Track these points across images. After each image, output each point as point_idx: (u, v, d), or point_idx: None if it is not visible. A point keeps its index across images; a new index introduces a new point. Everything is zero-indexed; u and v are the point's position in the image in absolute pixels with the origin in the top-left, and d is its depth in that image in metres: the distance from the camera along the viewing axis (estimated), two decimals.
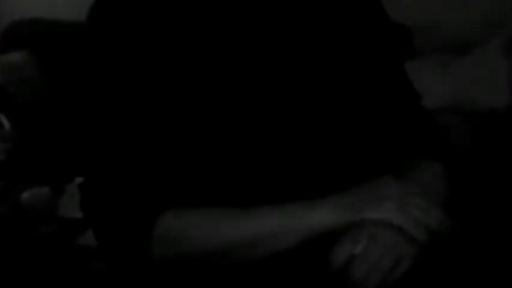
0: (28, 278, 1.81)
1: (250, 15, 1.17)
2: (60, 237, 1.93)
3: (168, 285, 1.15)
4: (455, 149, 1.32)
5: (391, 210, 1.07)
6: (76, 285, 1.81)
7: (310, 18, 1.20)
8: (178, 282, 1.15)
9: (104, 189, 1.12)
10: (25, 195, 2.02)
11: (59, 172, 2.13)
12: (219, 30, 1.15)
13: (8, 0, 2.93)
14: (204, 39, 1.14)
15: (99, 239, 1.16)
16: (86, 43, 1.17)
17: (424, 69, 1.73)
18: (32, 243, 1.91)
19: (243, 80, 1.14)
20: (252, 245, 1.09)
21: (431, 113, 1.32)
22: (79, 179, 1.95)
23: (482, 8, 1.85)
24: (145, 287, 1.15)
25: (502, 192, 1.72)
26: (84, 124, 1.16)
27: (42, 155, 2.25)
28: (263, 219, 1.10)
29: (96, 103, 1.14)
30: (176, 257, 1.11)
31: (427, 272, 1.12)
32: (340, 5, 1.23)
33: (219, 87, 1.13)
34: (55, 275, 1.81)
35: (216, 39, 1.14)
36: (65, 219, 1.97)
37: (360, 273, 1.05)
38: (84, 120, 1.16)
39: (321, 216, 1.08)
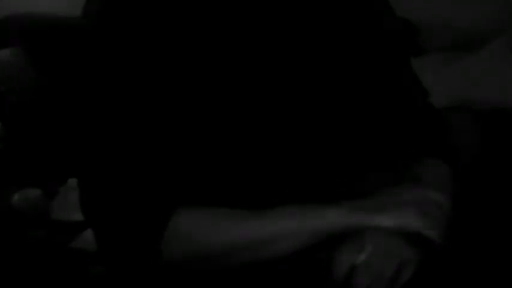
0: (19, 282, 1.79)
1: (253, 14, 1.16)
2: (53, 241, 1.91)
3: (172, 286, 1.14)
4: (464, 147, 1.31)
5: (410, 215, 1.08)
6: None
7: (315, 15, 1.19)
8: (183, 282, 1.14)
9: (110, 189, 1.11)
10: (16, 197, 2.00)
11: (51, 173, 2.11)
12: (223, 30, 1.16)
13: None
14: (207, 39, 1.15)
15: (101, 240, 1.15)
16: (90, 42, 1.16)
17: (430, 67, 1.74)
18: (23, 246, 1.89)
19: (250, 81, 1.14)
20: (262, 245, 1.10)
21: (438, 111, 1.32)
22: (72, 181, 1.97)
23: (489, 6, 1.85)
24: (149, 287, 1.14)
25: (507, 191, 1.72)
26: (88, 123, 1.15)
27: (33, 155, 2.23)
28: (274, 219, 1.10)
29: (102, 101, 1.13)
30: (184, 256, 1.11)
31: (430, 276, 1.11)
32: (344, 2, 1.22)
33: (225, 86, 1.13)
34: (47, 279, 1.79)
35: (219, 39, 1.15)
36: (57, 222, 1.95)
37: (363, 283, 1.05)
38: (88, 119, 1.15)
39: (332, 217, 1.08)
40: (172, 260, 1.11)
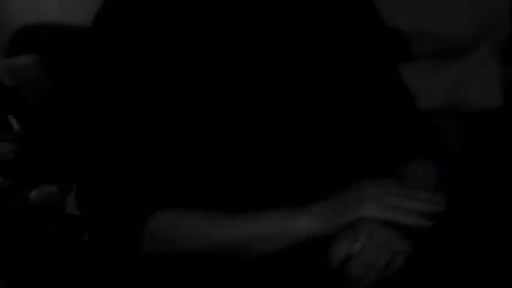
0: (36, 274, 1.83)
1: (246, 23, 1.18)
2: (67, 234, 1.94)
3: (158, 282, 1.17)
4: (450, 149, 1.32)
5: (371, 208, 1.08)
6: (82, 281, 1.81)
7: (304, 23, 1.20)
8: (168, 280, 1.17)
9: (98, 189, 1.14)
10: (33, 193, 2.04)
11: (66, 171, 2.13)
12: (217, 37, 1.17)
13: (17, 4, 2.95)
14: (203, 46, 1.16)
15: (93, 235, 1.20)
16: (90, 47, 1.19)
17: (418, 72, 1.75)
18: (39, 239, 1.93)
19: (237, 85, 1.15)
20: (237, 248, 1.11)
21: (425, 114, 1.32)
22: None
23: (476, 12, 1.87)
24: (137, 281, 1.18)
25: (494, 191, 1.73)
26: (83, 125, 1.18)
27: (49, 154, 2.25)
28: (248, 225, 1.10)
29: (95, 105, 1.16)
30: (164, 255, 1.13)
31: (421, 270, 1.15)
32: (334, 8, 1.24)
33: (213, 91, 1.14)
34: (62, 270, 1.83)
35: (214, 45, 1.16)
36: (71, 217, 1.98)
37: (357, 272, 1.07)
38: (83, 122, 1.18)
39: (302, 225, 1.09)
40: (156, 257, 1.13)
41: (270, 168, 1.15)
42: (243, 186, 1.14)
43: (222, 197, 1.14)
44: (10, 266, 1.86)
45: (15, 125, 2.30)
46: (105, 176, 1.14)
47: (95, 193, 1.14)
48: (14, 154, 2.21)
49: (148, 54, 1.14)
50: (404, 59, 1.74)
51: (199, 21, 1.17)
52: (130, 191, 1.12)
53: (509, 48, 1.96)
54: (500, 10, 1.95)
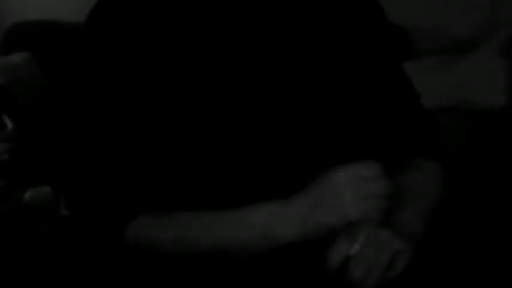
0: (30, 277, 1.82)
1: (243, 19, 1.18)
2: (62, 236, 1.92)
3: (151, 283, 1.17)
4: (452, 148, 1.33)
5: (351, 212, 1.08)
6: (77, 283, 1.81)
7: (306, 19, 1.21)
8: (161, 280, 1.17)
9: (85, 192, 1.16)
10: (28, 194, 2.02)
11: (61, 172, 2.11)
12: (210, 35, 1.17)
13: (11, 1, 2.94)
14: (195, 44, 1.16)
15: (82, 235, 1.23)
16: (81, 45, 1.20)
17: (422, 70, 1.76)
18: (33, 241, 1.92)
19: (227, 82, 1.15)
20: (217, 254, 1.11)
21: (431, 112, 1.33)
22: None
23: (481, 10, 1.88)
24: (132, 282, 1.18)
25: (499, 191, 1.74)
26: (73, 126, 1.20)
27: (44, 154, 2.25)
28: (228, 232, 1.11)
29: (84, 106, 1.17)
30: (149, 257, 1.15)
31: (424, 271, 1.13)
32: (336, 5, 1.24)
33: (202, 89, 1.14)
34: (56, 273, 1.81)
35: (205, 44, 1.16)
36: (66, 218, 1.93)
37: (357, 273, 1.06)
38: (73, 122, 1.20)
39: (282, 232, 1.09)
40: (140, 259, 1.15)
41: (265, 170, 1.15)
42: (231, 183, 1.14)
43: (208, 192, 1.14)
44: (3, 267, 1.85)
45: (9, 124, 2.29)
46: (91, 179, 1.15)
47: (82, 196, 1.16)
48: (8, 154, 2.20)
49: (139, 55, 1.14)
50: (406, 56, 1.75)
51: (191, 20, 1.17)
52: (113, 196, 1.13)
53: None
54: (502, 9, 1.95)
